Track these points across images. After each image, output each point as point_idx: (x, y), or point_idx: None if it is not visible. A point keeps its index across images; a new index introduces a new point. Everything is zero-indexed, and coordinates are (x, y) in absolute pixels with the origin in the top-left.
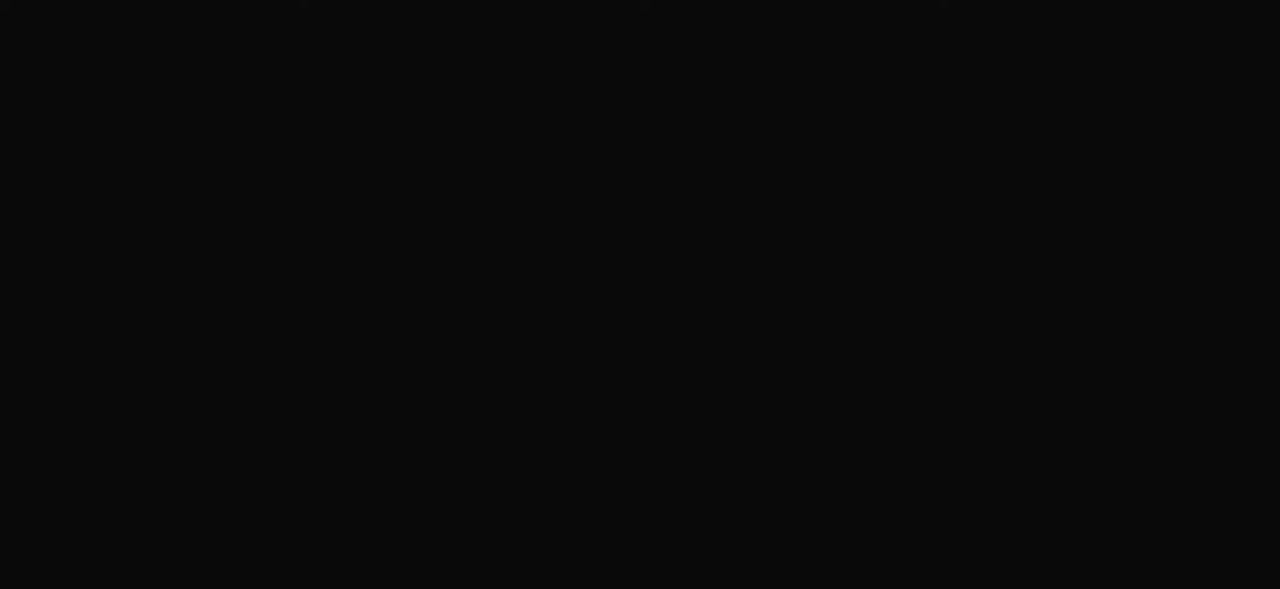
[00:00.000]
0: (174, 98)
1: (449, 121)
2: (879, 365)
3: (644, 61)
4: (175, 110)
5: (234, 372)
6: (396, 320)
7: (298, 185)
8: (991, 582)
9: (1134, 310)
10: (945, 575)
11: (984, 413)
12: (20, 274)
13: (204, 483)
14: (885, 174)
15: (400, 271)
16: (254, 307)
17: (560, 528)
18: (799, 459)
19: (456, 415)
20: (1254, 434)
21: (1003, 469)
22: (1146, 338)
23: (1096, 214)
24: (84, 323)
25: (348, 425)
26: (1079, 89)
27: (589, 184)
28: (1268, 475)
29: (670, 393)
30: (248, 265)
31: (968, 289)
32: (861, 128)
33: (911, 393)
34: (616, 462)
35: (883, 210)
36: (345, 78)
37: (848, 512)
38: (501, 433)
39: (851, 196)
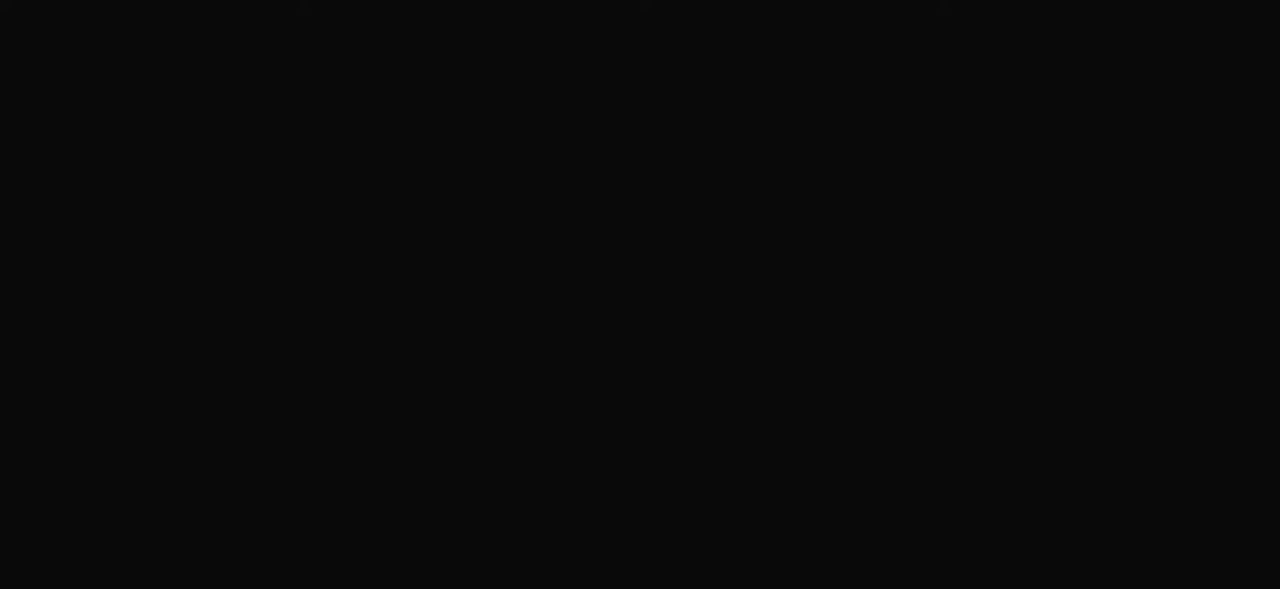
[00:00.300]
0: (174, 98)
1: (449, 121)
2: (879, 365)
3: (644, 61)
4: (175, 110)
5: (234, 372)
6: (397, 320)
7: (298, 185)
8: (991, 582)
9: (1134, 310)
10: (945, 576)
11: (984, 413)
12: (20, 274)
13: (204, 483)
14: (885, 174)
15: (400, 272)
16: (254, 307)
17: (560, 528)
18: (799, 459)
19: (456, 415)
20: (1254, 434)
21: (1003, 469)
22: (1147, 338)
23: (1096, 214)
24: (84, 323)
25: (348, 425)
26: (1079, 89)
27: (589, 184)
28: (1268, 475)
29: (670, 393)
30: (248, 265)
31: (968, 289)
32: (861, 128)
33: (912, 393)
34: (616, 462)
35: (883, 210)
36: (345, 78)
37: (848, 512)
38: (502, 433)
39: (852, 197)
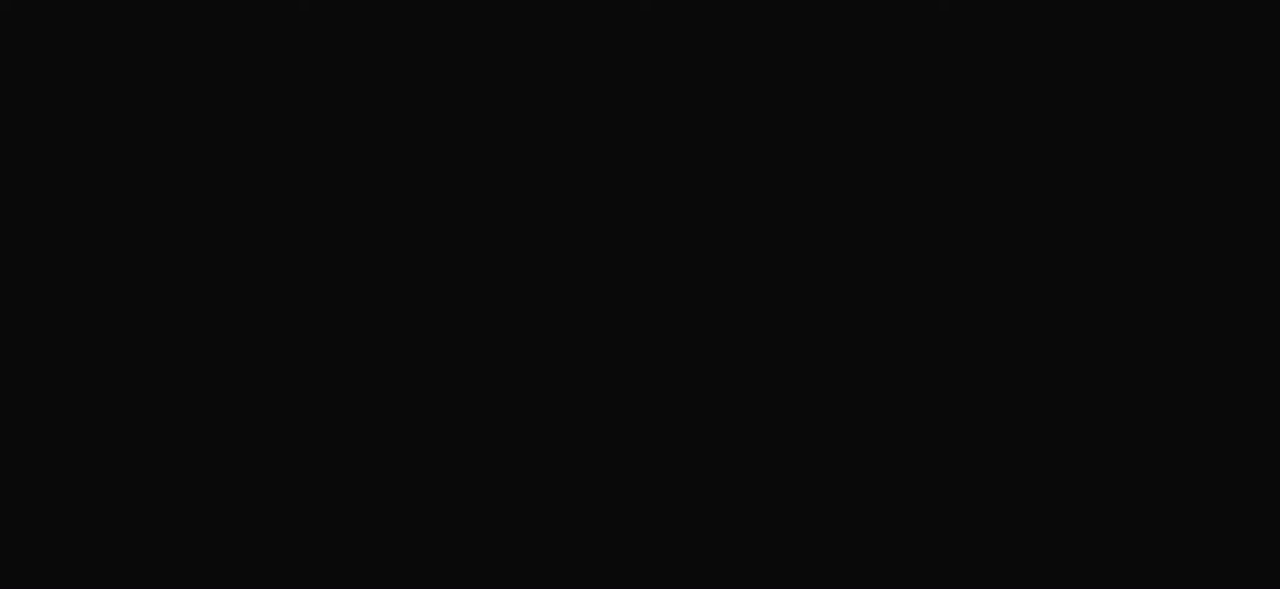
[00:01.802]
0: (174, 98)
1: (449, 121)
2: (879, 365)
3: (644, 61)
4: (175, 110)
5: (234, 372)
6: (396, 320)
7: (298, 185)
8: (991, 582)
9: (1134, 310)
10: (945, 576)
11: (984, 413)
12: (20, 274)
13: (204, 483)
14: (885, 174)
15: (400, 272)
16: (254, 307)
17: (560, 528)
18: (799, 459)
19: (456, 415)
20: (1254, 434)
21: (1003, 469)
22: (1146, 338)
23: (1097, 214)
24: (84, 323)
25: (348, 425)
26: (1079, 89)
27: (589, 184)
28: (1268, 475)
29: (671, 393)
30: (248, 265)
31: (968, 289)
32: (861, 128)
33: (911, 393)
34: (616, 462)
35: (883, 210)
36: (345, 78)
37: (848, 512)
38: (501, 433)
39: (851, 196)
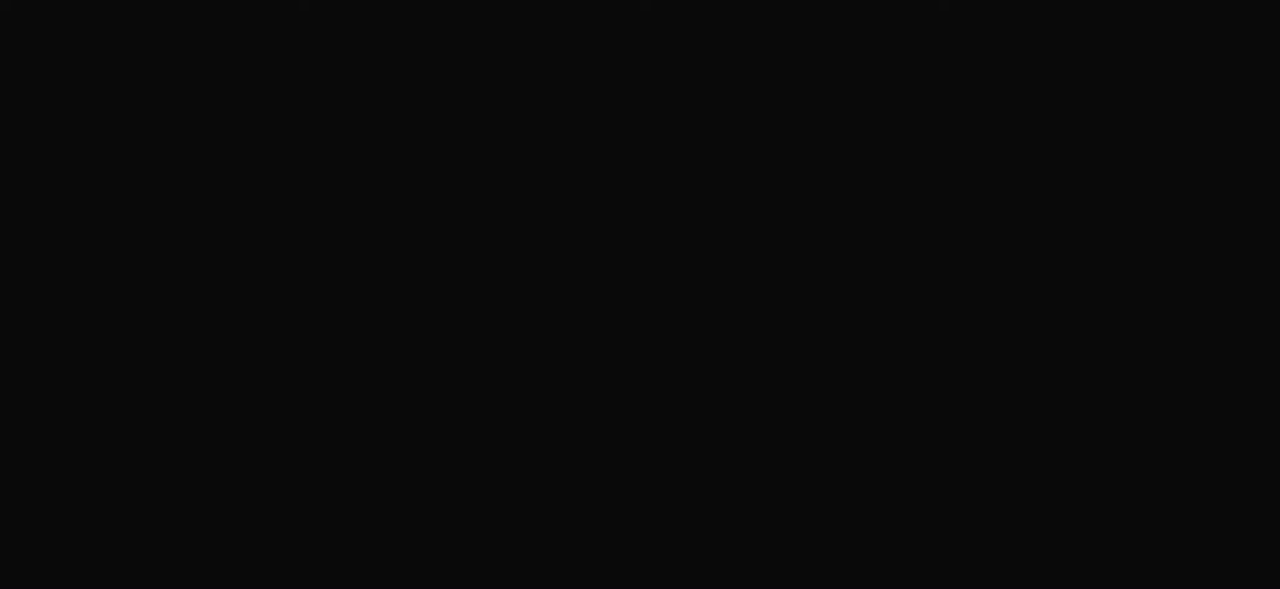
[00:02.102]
0: (174, 98)
1: (449, 121)
2: (879, 365)
3: (644, 61)
4: (175, 110)
5: (234, 372)
6: (396, 320)
7: (298, 185)
8: (991, 582)
9: (1134, 310)
10: (945, 576)
11: (984, 413)
12: (20, 274)
13: (204, 483)
14: (885, 174)
15: (400, 272)
16: (254, 307)
17: (560, 528)
18: (799, 459)
19: (456, 416)
20: (1254, 434)
21: (1003, 469)
22: (1146, 338)
23: (1097, 214)
24: (84, 323)
25: (348, 426)
26: (1079, 89)
27: (589, 184)
28: (1268, 475)
29: (671, 393)
30: (248, 265)
31: (968, 289)
32: (861, 128)
33: (911, 393)
34: (616, 462)
35: (883, 210)
36: (345, 78)
37: (848, 512)
38: (501, 433)
39: (851, 197)
